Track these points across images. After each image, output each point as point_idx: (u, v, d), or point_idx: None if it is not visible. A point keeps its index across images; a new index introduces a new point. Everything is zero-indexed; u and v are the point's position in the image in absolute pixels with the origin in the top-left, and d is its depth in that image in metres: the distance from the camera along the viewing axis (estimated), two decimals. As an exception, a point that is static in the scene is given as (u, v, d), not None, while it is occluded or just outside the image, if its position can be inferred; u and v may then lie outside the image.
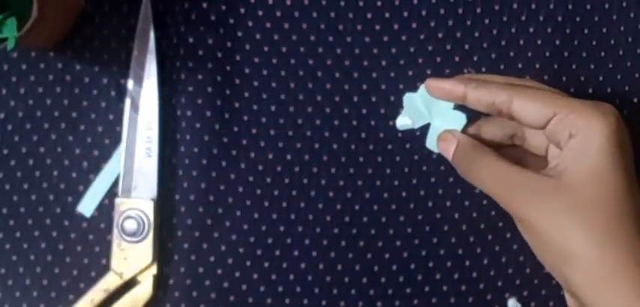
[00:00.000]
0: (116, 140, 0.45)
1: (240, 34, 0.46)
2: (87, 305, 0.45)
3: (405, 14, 0.46)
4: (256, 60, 0.46)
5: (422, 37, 0.47)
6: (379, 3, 0.46)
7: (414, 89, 0.44)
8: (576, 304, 0.37)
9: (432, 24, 0.47)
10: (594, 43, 0.47)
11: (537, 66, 0.47)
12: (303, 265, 0.47)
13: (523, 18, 0.47)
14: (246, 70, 0.46)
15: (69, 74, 0.45)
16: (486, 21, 0.47)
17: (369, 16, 0.46)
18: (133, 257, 0.45)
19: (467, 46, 0.47)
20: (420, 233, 0.47)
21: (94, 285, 0.45)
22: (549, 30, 0.47)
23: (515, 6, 0.47)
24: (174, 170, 0.46)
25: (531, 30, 0.47)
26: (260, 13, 0.46)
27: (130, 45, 0.45)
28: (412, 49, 0.47)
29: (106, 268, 0.45)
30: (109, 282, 0.45)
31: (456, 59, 0.47)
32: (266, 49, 0.46)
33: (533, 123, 0.37)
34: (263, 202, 0.46)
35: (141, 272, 0.45)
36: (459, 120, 0.42)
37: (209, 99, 0.46)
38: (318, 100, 0.46)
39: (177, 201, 0.46)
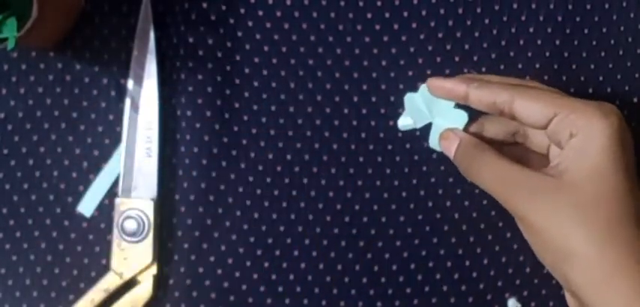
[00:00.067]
0: (116, 140, 0.45)
1: (240, 34, 0.46)
2: (87, 305, 0.45)
3: (405, 14, 0.46)
4: (256, 60, 0.46)
5: (422, 37, 0.47)
6: (379, 3, 0.46)
7: (414, 89, 0.44)
8: (576, 303, 0.37)
9: (432, 24, 0.47)
10: (594, 43, 0.47)
11: (537, 66, 0.47)
12: (303, 265, 0.47)
13: (523, 18, 0.47)
14: (246, 70, 0.46)
15: (69, 74, 0.45)
16: (486, 21, 0.47)
17: (369, 16, 0.46)
18: (133, 257, 0.45)
19: (467, 46, 0.47)
20: (420, 233, 0.47)
21: (94, 285, 0.45)
22: (549, 30, 0.47)
23: (515, 6, 0.47)
24: (174, 170, 0.46)
25: (531, 30, 0.47)
26: (260, 13, 0.46)
27: (130, 45, 0.45)
28: (412, 49, 0.47)
29: (106, 268, 0.45)
30: (109, 282, 0.45)
31: (456, 59, 0.47)
32: (266, 49, 0.46)
33: (535, 123, 0.37)
34: (263, 202, 0.46)
35: (141, 272, 0.45)
36: (461, 118, 0.42)
37: (209, 99, 0.46)
38: (318, 100, 0.46)
39: (177, 201, 0.46)
